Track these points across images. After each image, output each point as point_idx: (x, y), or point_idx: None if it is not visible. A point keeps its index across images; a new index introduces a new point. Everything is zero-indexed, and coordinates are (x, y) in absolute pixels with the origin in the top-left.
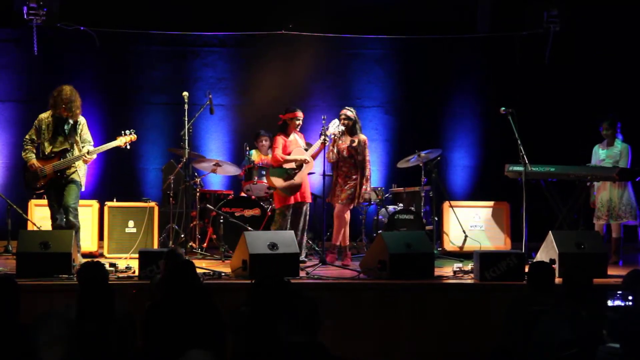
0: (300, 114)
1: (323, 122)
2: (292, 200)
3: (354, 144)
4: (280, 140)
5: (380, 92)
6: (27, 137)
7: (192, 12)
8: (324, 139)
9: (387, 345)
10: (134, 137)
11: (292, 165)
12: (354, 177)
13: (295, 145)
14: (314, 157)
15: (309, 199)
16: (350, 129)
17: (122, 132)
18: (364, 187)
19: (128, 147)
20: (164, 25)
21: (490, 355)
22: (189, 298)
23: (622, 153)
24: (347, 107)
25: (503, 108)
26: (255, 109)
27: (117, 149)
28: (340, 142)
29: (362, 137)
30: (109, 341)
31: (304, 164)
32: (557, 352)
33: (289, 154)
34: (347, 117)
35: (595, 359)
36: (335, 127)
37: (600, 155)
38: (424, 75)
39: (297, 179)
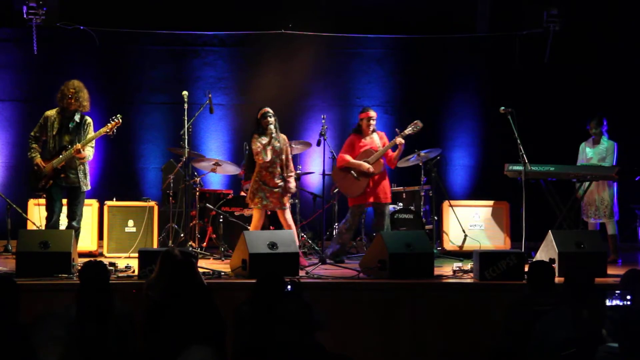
0: (371, 114)
1: (323, 121)
2: (363, 200)
3: (278, 143)
4: (349, 140)
5: (380, 91)
6: (31, 134)
7: (192, 12)
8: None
9: (387, 345)
10: (118, 121)
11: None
12: (282, 176)
13: (370, 145)
14: (392, 159)
15: (385, 199)
16: (276, 129)
17: (110, 118)
18: (289, 182)
19: (114, 133)
20: (164, 25)
21: (490, 355)
22: (189, 297)
23: (609, 150)
24: (266, 107)
25: (503, 108)
26: (255, 108)
27: (119, 145)
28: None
29: (284, 135)
30: (109, 341)
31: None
32: (557, 352)
33: (357, 155)
34: (273, 115)
35: (595, 358)
36: (414, 128)
37: (588, 153)
38: (424, 75)
39: (362, 181)
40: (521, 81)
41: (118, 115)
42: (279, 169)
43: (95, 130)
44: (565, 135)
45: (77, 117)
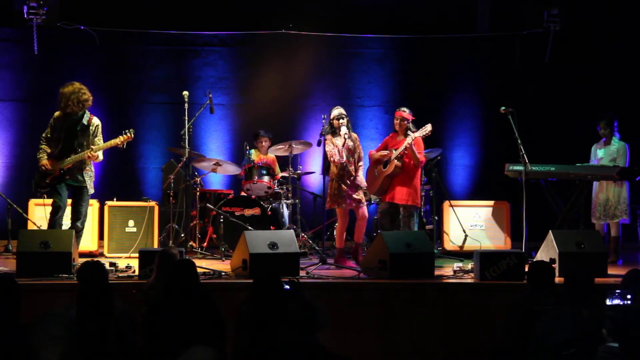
0: (399, 113)
1: (323, 121)
2: (386, 199)
3: (352, 143)
4: (386, 138)
5: (380, 91)
6: (43, 135)
7: (193, 12)
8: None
9: (387, 345)
10: (130, 136)
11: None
12: (355, 175)
13: (396, 145)
14: (410, 161)
15: (399, 200)
16: (348, 127)
17: (123, 131)
18: (358, 177)
19: (124, 146)
20: (165, 25)
21: (490, 355)
22: (189, 297)
23: (620, 151)
24: (337, 107)
25: (503, 107)
26: (256, 108)
27: (117, 148)
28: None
29: (355, 134)
30: (109, 341)
31: (387, 167)
32: (557, 352)
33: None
34: (346, 115)
35: (595, 358)
36: (424, 131)
37: (599, 154)
38: (424, 75)
39: (379, 179)
40: (521, 81)
41: (131, 130)
42: (352, 168)
43: (104, 133)
44: (566, 135)
45: (85, 120)
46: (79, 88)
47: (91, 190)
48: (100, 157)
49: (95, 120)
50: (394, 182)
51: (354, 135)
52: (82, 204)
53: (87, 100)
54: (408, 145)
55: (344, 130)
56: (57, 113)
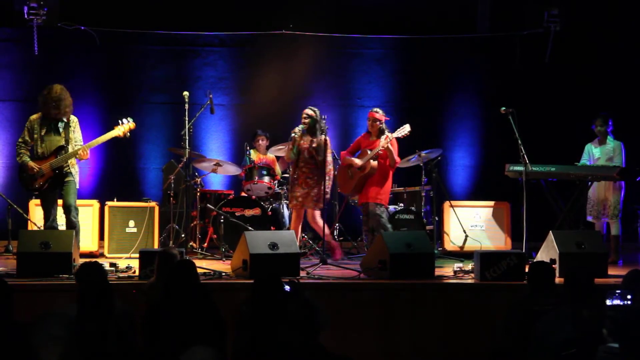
0: (373, 114)
1: (323, 121)
2: (362, 199)
3: (314, 145)
4: (357, 138)
5: (381, 91)
6: (20, 140)
7: (193, 12)
8: (384, 143)
9: (387, 345)
10: (132, 125)
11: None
12: (315, 178)
13: (371, 146)
14: (386, 162)
15: (372, 199)
16: (311, 129)
17: (119, 121)
18: (327, 187)
19: (128, 135)
20: (165, 25)
21: (490, 355)
22: (189, 297)
23: (616, 150)
24: (309, 107)
25: (503, 108)
26: (256, 108)
27: (119, 145)
28: (301, 141)
29: (323, 137)
30: (109, 341)
31: (359, 167)
32: (557, 352)
33: (355, 153)
34: (308, 116)
35: (595, 358)
36: (403, 131)
37: (595, 154)
38: (424, 75)
39: (353, 179)
40: (522, 81)
41: (129, 118)
42: (312, 170)
43: (95, 133)
44: (566, 135)
45: (63, 118)
46: (65, 90)
47: (77, 185)
48: (87, 153)
49: (74, 118)
50: (368, 183)
51: (322, 138)
52: (71, 196)
53: (71, 101)
54: (385, 147)
55: (296, 129)
56: (34, 116)
